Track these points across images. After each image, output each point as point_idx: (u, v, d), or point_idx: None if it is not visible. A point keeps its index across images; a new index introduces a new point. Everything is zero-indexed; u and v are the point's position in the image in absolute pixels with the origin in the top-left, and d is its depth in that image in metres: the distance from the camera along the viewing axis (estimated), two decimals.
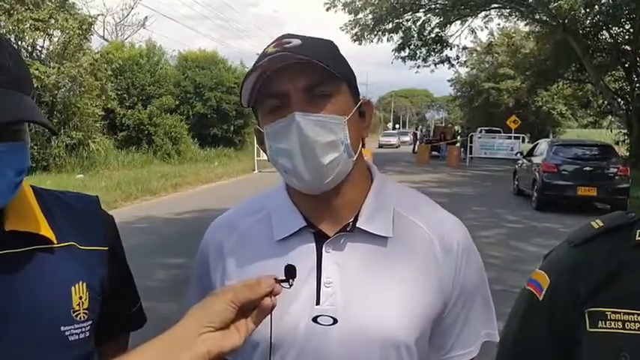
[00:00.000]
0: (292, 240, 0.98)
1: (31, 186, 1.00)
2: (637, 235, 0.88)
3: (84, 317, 0.95)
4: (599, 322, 0.85)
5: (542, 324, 0.92)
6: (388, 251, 0.96)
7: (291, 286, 0.84)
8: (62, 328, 0.92)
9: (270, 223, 1.01)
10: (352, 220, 0.97)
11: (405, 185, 1.10)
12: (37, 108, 0.87)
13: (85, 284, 0.96)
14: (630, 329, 0.82)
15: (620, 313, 0.83)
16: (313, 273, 0.95)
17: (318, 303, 0.93)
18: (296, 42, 0.92)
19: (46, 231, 0.94)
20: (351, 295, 0.93)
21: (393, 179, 1.10)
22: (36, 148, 16.44)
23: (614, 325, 0.83)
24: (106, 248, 1.03)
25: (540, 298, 0.93)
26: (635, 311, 0.83)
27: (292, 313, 0.93)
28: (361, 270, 0.95)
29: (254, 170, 19.44)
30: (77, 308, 0.94)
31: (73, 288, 0.95)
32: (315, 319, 0.93)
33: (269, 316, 0.83)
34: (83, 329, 0.95)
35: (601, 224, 0.93)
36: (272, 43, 0.94)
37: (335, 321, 0.92)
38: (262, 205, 1.06)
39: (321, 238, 0.97)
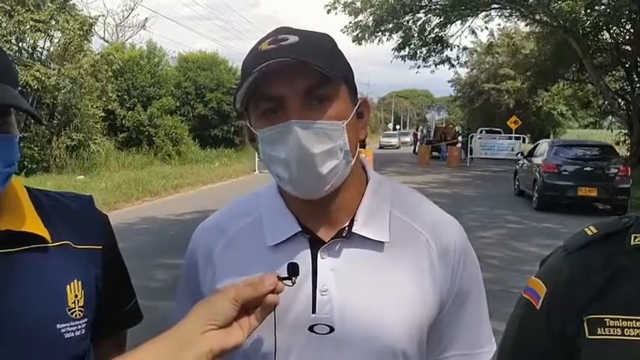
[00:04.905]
0: (286, 245, 0.94)
1: (25, 187, 1.01)
2: (632, 240, 0.87)
3: (80, 315, 0.96)
4: (598, 329, 0.84)
5: (541, 332, 0.91)
6: (385, 256, 0.93)
7: (294, 283, 0.84)
8: (58, 326, 0.93)
9: (262, 227, 0.97)
10: (348, 224, 0.94)
11: (401, 184, 1.08)
12: (21, 97, 0.89)
13: (80, 282, 0.97)
14: (629, 335, 0.82)
15: (618, 319, 0.83)
16: (308, 280, 0.91)
17: (314, 311, 0.90)
18: (293, 39, 0.87)
19: (40, 230, 0.95)
20: (348, 302, 0.90)
21: (389, 178, 1.08)
22: (36, 149, 16.45)
23: (613, 331, 0.83)
24: (101, 247, 1.04)
25: (538, 307, 0.92)
26: (633, 317, 0.82)
27: (288, 322, 0.90)
28: (357, 276, 0.92)
29: (254, 171, 19.46)
30: (73, 306, 0.95)
31: (68, 286, 0.96)
32: (311, 328, 0.90)
33: (273, 319, 0.83)
34: (79, 327, 0.95)
35: (595, 231, 0.92)
36: (267, 39, 0.89)
37: (331, 329, 0.90)
38: (253, 207, 1.01)
39: (316, 244, 0.93)
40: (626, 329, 0.82)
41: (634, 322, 0.82)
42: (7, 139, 0.89)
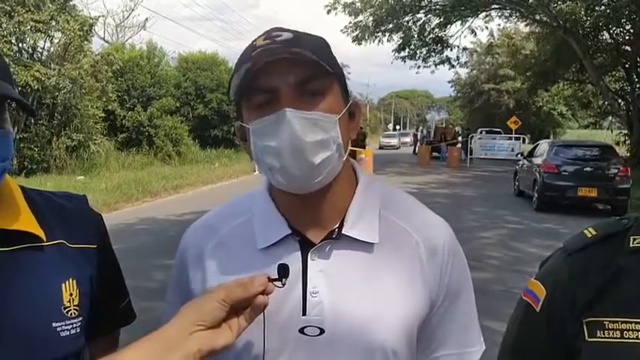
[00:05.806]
0: (276, 248, 0.94)
1: (20, 186, 1.01)
2: (631, 242, 0.87)
3: (75, 313, 0.96)
4: (597, 331, 0.84)
5: (540, 334, 0.91)
6: (374, 257, 0.94)
7: (283, 285, 0.84)
8: (53, 324, 0.93)
9: (253, 228, 0.97)
10: (338, 225, 0.94)
11: (390, 185, 1.09)
12: (12, 89, 0.90)
13: (75, 281, 0.97)
14: (629, 338, 0.81)
15: (617, 322, 0.83)
16: (299, 282, 0.91)
17: (304, 313, 0.91)
18: (286, 35, 0.88)
19: (35, 229, 0.95)
20: (338, 303, 0.90)
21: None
22: (36, 149, 16.46)
23: (612, 334, 0.83)
24: (95, 246, 1.04)
25: (537, 309, 0.92)
26: (632, 319, 0.82)
27: (278, 324, 0.90)
28: (347, 277, 0.92)
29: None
30: (68, 305, 0.95)
31: (63, 285, 0.96)
32: (301, 330, 0.90)
33: (262, 320, 0.83)
34: (74, 325, 0.96)
35: (594, 232, 0.92)
36: (261, 36, 0.90)
37: (322, 331, 0.90)
38: (244, 208, 1.02)
39: (306, 246, 0.93)
40: (625, 332, 0.82)
41: (633, 324, 0.82)
42: (1, 135, 0.90)
